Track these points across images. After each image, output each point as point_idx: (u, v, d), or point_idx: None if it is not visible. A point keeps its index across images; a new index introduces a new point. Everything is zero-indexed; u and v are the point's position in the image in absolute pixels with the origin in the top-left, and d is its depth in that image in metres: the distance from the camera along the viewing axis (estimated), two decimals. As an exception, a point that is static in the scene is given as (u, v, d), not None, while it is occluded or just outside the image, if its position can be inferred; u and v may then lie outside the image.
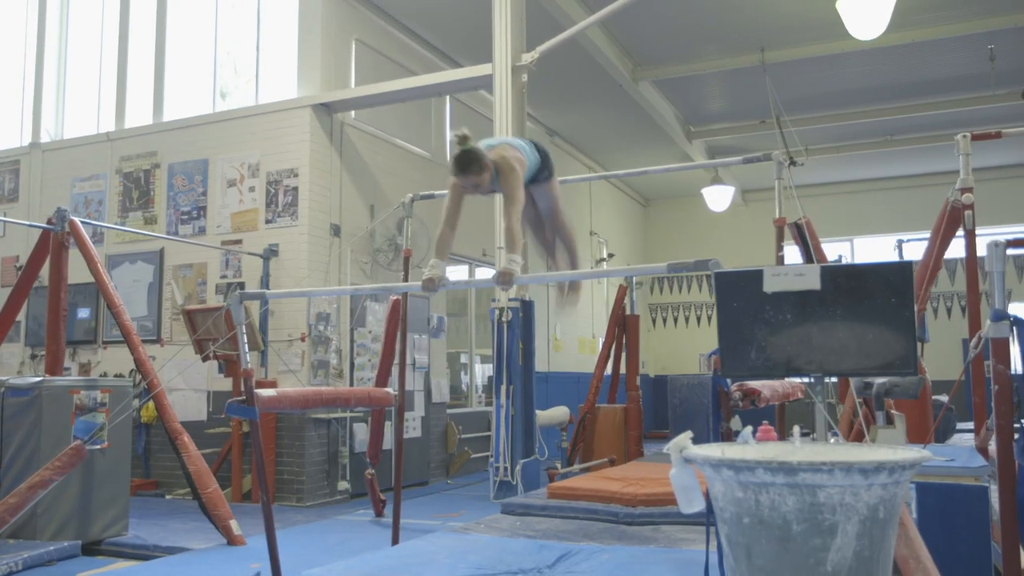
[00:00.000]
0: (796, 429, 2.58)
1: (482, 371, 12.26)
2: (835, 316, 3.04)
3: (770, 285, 3.07)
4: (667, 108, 12.80)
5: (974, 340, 3.22)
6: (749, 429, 2.56)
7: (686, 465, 2.41)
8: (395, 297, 6.39)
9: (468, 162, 4.13)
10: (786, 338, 3.11)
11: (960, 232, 4.58)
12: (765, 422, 3.17)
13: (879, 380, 3.73)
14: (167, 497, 8.78)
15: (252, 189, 8.99)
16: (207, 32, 9.84)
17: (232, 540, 5.91)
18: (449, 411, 10.97)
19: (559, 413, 9.99)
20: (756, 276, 3.12)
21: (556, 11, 9.06)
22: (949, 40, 10.39)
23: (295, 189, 8.76)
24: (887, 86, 11.93)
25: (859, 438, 4.88)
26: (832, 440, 2.88)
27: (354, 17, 9.54)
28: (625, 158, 15.13)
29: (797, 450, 2.54)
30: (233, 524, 5.95)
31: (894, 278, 2.98)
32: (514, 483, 7.73)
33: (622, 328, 10.58)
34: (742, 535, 2.23)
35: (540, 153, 4.56)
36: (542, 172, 4.58)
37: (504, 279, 4.02)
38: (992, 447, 3.86)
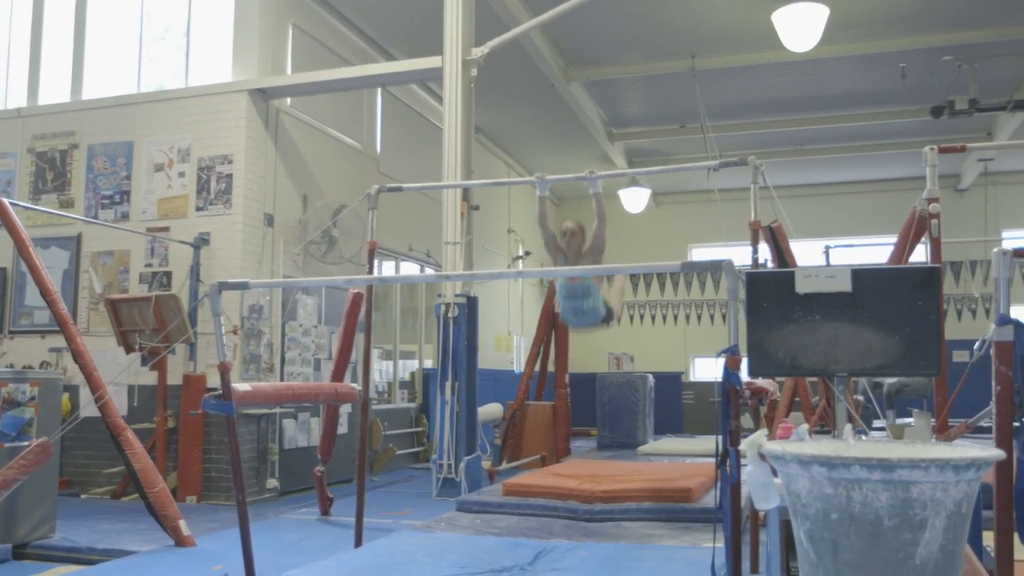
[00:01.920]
0: (848, 427, 2.65)
1: (403, 367, 12.12)
2: (863, 317, 3.13)
3: (802, 287, 3.14)
4: (593, 109, 12.96)
5: (978, 343, 3.37)
6: (805, 427, 2.61)
7: (762, 463, 2.43)
8: (356, 290, 6.23)
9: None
10: (814, 338, 3.18)
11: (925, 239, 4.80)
12: (786, 420, 3.23)
13: (889, 380, 3.87)
14: (83, 496, 8.33)
15: (182, 175, 8.60)
16: (133, 7, 9.35)
17: (181, 541, 5.64)
18: (373, 407, 10.77)
19: (493, 410, 9.97)
20: (788, 277, 3.19)
21: (501, 9, 9.04)
22: (866, 57, 10.90)
23: (229, 176, 8.43)
24: (804, 97, 12.42)
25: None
26: (860, 438, 2.96)
27: (291, 2, 9.25)
28: (545, 157, 15.24)
29: (851, 447, 2.61)
30: (182, 524, 5.68)
31: (921, 281, 3.09)
32: (458, 480, 7.67)
33: (552, 326, 10.65)
34: (829, 530, 2.27)
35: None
36: (606, 321, 6.50)
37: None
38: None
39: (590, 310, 6.26)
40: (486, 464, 9.45)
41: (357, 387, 5.39)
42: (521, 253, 15.96)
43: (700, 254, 17.65)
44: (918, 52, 10.59)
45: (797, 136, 13.99)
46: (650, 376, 11.71)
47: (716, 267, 3.65)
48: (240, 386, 4.34)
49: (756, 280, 3.22)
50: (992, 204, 14.08)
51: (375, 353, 12.09)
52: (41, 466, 4.14)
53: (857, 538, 2.23)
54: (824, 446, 2.52)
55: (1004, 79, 11.38)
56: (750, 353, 3.26)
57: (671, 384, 16.20)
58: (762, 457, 2.45)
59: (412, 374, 12.28)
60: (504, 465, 9.56)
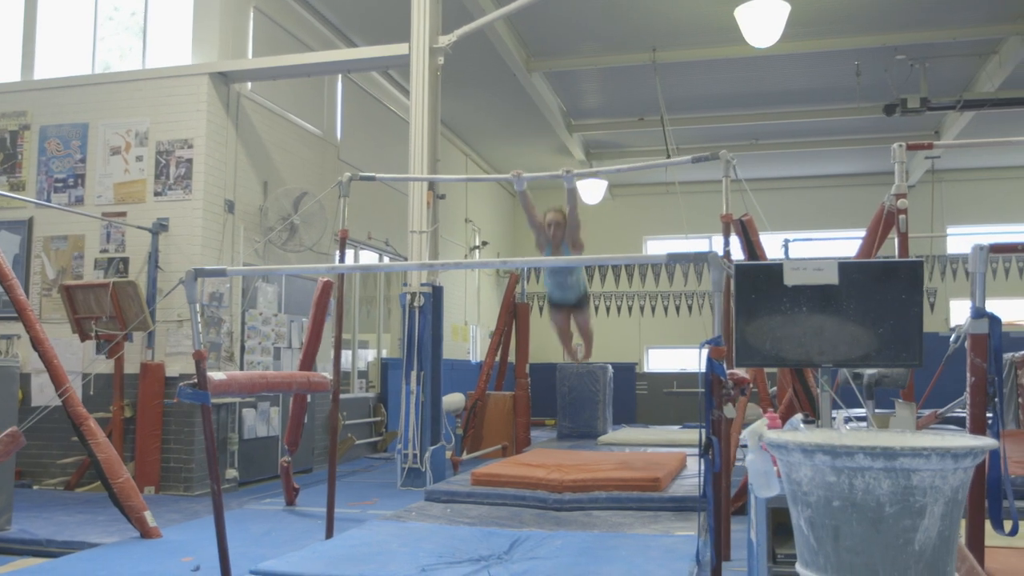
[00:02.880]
0: (840, 416, 2.71)
1: (363, 356, 12.04)
2: (848, 310, 3.20)
3: (791, 279, 3.20)
4: (553, 100, 12.98)
5: (953, 335, 3.48)
6: (799, 416, 2.66)
7: (763, 451, 2.48)
8: (325, 279, 6.17)
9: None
10: (800, 329, 3.25)
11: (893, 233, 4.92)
12: (771, 410, 3.29)
13: (869, 371, 3.97)
14: (35, 488, 8.12)
15: (140, 158, 8.41)
16: (88, -14, 9.11)
17: (146, 532, 5.54)
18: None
19: (456, 400, 9.96)
20: (776, 269, 3.24)
21: (467, -2, 9.01)
22: (822, 54, 11.09)
23: (189, 161, 8.27)
24: (760, 92, 12.60)
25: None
26: (847, 427, 3.03)
27: (252, -16, 9.10)
28: (504, 148, 15.24)
29: (846, 436, 2.67)
30: (148, 515, 5.57)
31: (905, 274, 3.17)
32: (423, 470, 7.65)
33: (513, 315, 10.67)
34: (830, 517, 2.32)
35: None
36: (583, 301, 7.01)
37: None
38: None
39: (574, 284, 6.75)
40: (449, 454, 9.46)
41: (327, 376, 5.34)
42: (478, 243, 15.94)
43: (655, 246, 17.82)
44: (872, 51, 10.82)
45: (753, 130, 14.19)
46: (610, 367, 11.81)
47: (702, 259, 3.68)
48: (216, 375, 4.27)
49: (744, 272, 3.27)
50: (938, 201, 14.47)
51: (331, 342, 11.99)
52: (10, 456, 4.03)
53: (859, 525, 2.29)
54: (821, 435, 2.57)
55: (954, 79, 11.69)
56: (736, 344, 3.31)
57: (626, 375, 16.39)
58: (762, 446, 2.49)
59: (369, 363, 12.21)
60: (466, 455, 9.57)
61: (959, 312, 15.33)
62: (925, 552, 2.28)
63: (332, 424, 5.46)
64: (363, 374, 12.04)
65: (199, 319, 4.27)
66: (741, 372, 3.97)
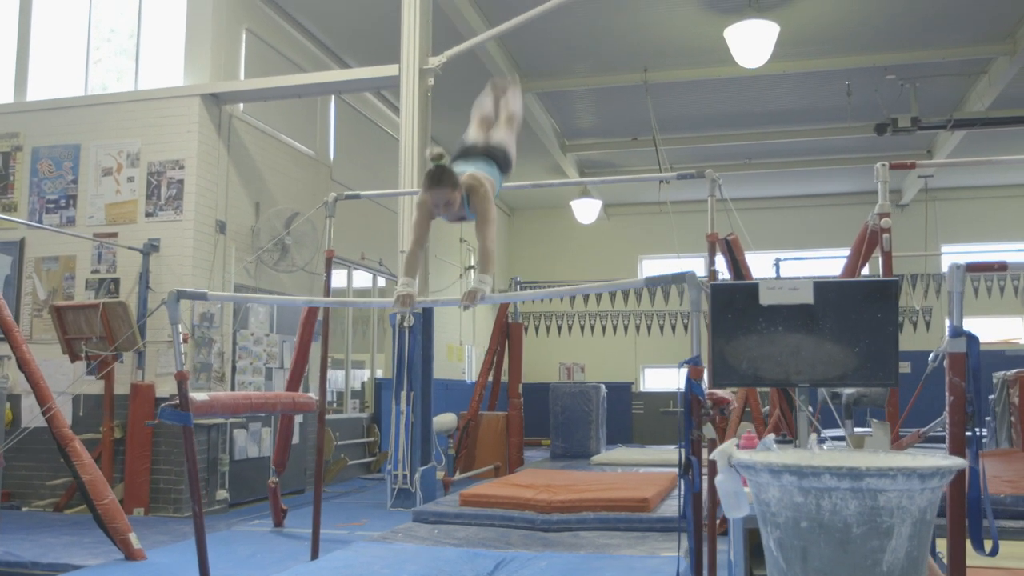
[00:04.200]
0: (814, 437, 2.70)
1: (355, 376, 12.01)
2: (824, 329, 3.20)
3: (766, 298, 3.20)
4: (546, 120, 13.03)
5: (932, 354, 3.47)
6: (771, 437, 2.66)
7: (733, 471, 2.47)
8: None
9: (441, 176, 3.92)
10: (776, 349, 3.25)
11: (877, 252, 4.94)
12: (749, 430, 3.28)
13: (848, 391, 3.97)
14: (24, 509, 8.08)
15: (131, 179, 8.43)
16: (81, 9, 9.16)
17: (131, 555, 5.51)
18: (326, 417, 10.65)
19: (447, 420, 9.94)
20: (752, 289, 3.24)
21: (457, 19, 9.06)
22: (813, 74, 11.15)
23: (180, 182, 8.30)
24: (753, 112, 12.66)
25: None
26: (822, 447, 3.03)
27: (245, 6, 9.15)
28: (498, 167, 15.24)
29: (816, 456, 2.66)
30: (132, 537, 5.55)
31: (880, 293, 3.18)
32: (413, 491, 7.62)
33: (505, 336, 10.66)
34: (798, 538, 2.31)
35: (500, 168, 4.56)
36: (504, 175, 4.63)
37: (470, 297, 3.87)
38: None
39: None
40: (440, 474, 9.43)
41: (314, 397, 5.33)
42: (473, 263, 15.94)
43: (651, 266, 17.84)
44: (863, 71, 10.87)
45: (746, 150, 14.25)
46: (603, 386, 11.79)
47: (680, 280, 3.70)
48: (198, 396, 4.27)
49: (720, 291, 3.28)
50: (932, 219, 14.46)
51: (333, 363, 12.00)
52: (-10, 478, 4.01)
53: (826, 546, 2.28)
54: (791, 455, 2.57)
55: (944, 98, 11.74)
56: (713, 364, 3.31)
57: (621, 394, 16.33)
58: (732, 466, 2.49)
59: (363, 383, 12.19)
60: (458, 475, 9.53)
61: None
62: (893, 573, 2.27)
63: (319, 445, 5.45)
64: (357, 394, 12.02)
65: (180, 339, 4.27)
66: (724, 392, 3.96)
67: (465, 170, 4.19)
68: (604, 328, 18.02)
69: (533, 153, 14.19)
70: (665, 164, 13.23)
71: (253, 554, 5.76)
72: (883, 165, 4.86)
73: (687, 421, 3.76)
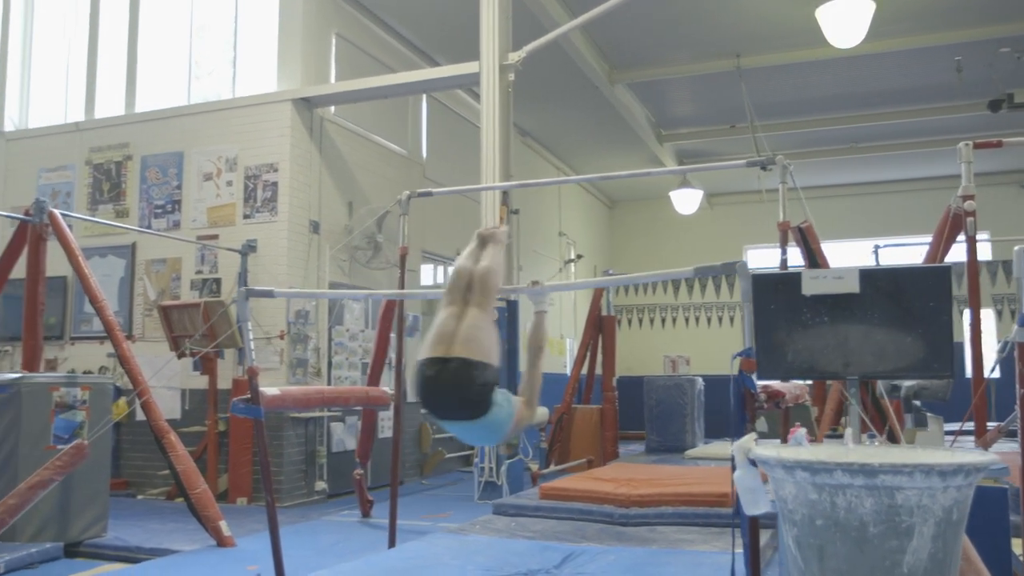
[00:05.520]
0: (848, 431, 2.60)
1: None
2: (872, 319, 3.07)
3: (809, 288, 3.09)
4: (640, 111, 12.88)
5: (1000, 344, 3.28)
6: (802, 432, 2.57)
7: (751, 467, 2.41)
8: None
9: None
10: (822, 340, 3.13)
11: (961, 237, 4.67)
12: (798, 424, 3.18)
13: (907, 383, 3.79)
14: (139, 497, 8.58)
15: (230, 183, 8.82)
16: (182, 22, 9.63)
17: (222, 541, 5.79)
18: (422, 411, 10.86)
19: (539, 413, 9.95)
20: (794, 279, 3.14)
21: (540, 12, 9.06)
22: (918, 51, 10.61)
23: (275, 184, 8.62)
24: (856, 94, 12.16)
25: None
26: (872, 443, 2.90)
27: (334, 11, 9.42)
28: (595, 160, 15.19)
29: (851, 452, 2.56)
30: (223, 525, 5.83)
31: (932, 281, 3.02)
32: (500, 484, 7.70)
33: (598, 329, 10.61)
34: (814, 537, 2.24)
35: None
36: None
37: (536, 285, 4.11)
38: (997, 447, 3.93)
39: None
40: (534, 467, 9.47)
41: (389, 391, 5.46)
42: (573, 256, 15.92)
43: (756, 255, 17.39)
44: (973, 45, 10.28)
45: (850, 134, 13.70)
46: (699, 379, 11.58)
47: (730, 270, 3.61)
48: (268, 390, 4.44)
49: (762, 282, 3.18)
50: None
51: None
52: (76, 467, 4.30)
53: (842, 545, 2.20)
54: (815, 451, 2.48)
55: (1067, 70, 10.98)
56: (758, 356, 3.22)
57: (726, 387, 15.97)
58: (752, 462, 2.42)
59: (462, 378, 12.34)
60: (551, 468, 9.55)
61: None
62: (915, 575, 2.17)
63: (395, 438, 5.57)
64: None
65: (250, 335, 4.44)
66: (781, 385, 3.85)
67: None
68: (710, 320, 17.67)
69: (629, 145, 14.07)
70: (765, 151, 12.88)
71: (335, 543, 5.95)
72: (966, 145, 4.60)
73: (739, 415, 3.68)
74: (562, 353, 15.58)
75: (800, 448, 2.59)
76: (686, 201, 15.30)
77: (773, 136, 13.23)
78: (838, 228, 16.25)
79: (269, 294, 4.51)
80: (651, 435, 11.14)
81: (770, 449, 2.38)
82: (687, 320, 17.77)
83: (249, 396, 4.36)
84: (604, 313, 10.64)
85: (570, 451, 10.19)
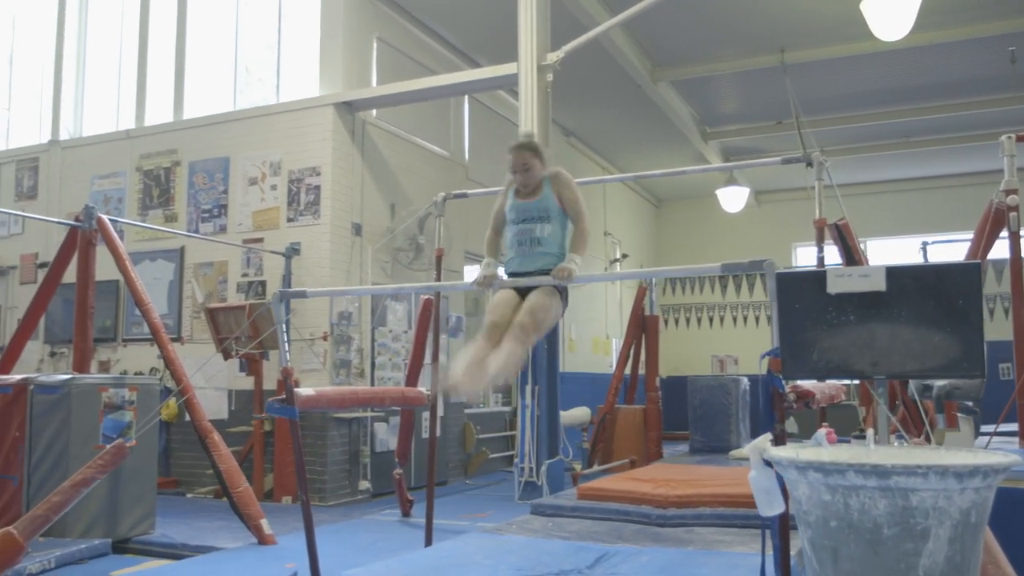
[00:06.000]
0: (871, 432, 2.55)
1: (498, 371, 12.21)
2: (899, 318, 3.01)
3: (834, 286, 3.05)
4: (684, 109, 12.77)
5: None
6: (823, 431, 2.54)
7: (766, 467, 2.38)
8: (426, 297, 6.36)
9: (528, 144, 4.36)
10: (848, 339, 3.08)
11: (1004, 233, 4.56)
12: (825, 424, 3.13)
13: (940, 383, 3.70)
14: (188, 496, 8.76)
15: (274, 187, 8.97)
16: (227, 30, 9.83)
17: (263, 539, 5.89)
18: (466, 411, 10.93)
19: (580, 413, 9.96)
20: (819, 277, 3.09)
21: (579, 11, 9.04)
22: (969, 41, 10.34)
23: (317, 187, 8.74)
24: (905, 87, 11.90)
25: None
26: (898, 443, 2.85)
27: (375, 15, 9.52)
28: (640, 159, 15.10)
29: (872, 453, 2.52)
30: (264, 523, 5.93)
31: (961, 279, 2.95)
32: (539, 484, 7.70)
33: (641, 329, 10.55)
34: (828, 538, 2.21)
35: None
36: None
37: (563, 274, 4.00)
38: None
39: (549, 240, 4.16)
40: (577, 466, 9.46)
41: (426, 391, 5.50)
42: (618, 256, 15.85)
43: (805, 253, 17.12)
44: (1027, 34, 10.01)
45: (900, 128, 13.40)
46: (744, 379, 11.44)
47: (758, 268, 3.57)
48: (303, 391, 4.50)
49: (786, 281, 3.14)
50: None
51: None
52: (116, 466, 4.42)
53: (856, 547, 2.16)
54: (835, 451, 2.45)
55: None
56: (783, 355, 3.18)
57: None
58: (767, 463, 2.40)
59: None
60: (593, 468, 9.53)
61: None
62: (931, 578, 2.12)
63: (431, 438, 5.61)
64: (500, 388, 12.24)
65: (285, 336, 4.51)
66: (813, 384, 3.79)
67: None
68: (758, 319, 17.46)
69: (674, 143, 13.96)
70: (813, 147, 12.67)
71: (373, 542, 6.01)
72: (1008, 137, 4.49)
73: (768, 415, 3.63)
74: (608, 353, 15.52)
75: (819, 449, 2.56)
76: (732, 199, 15.14)
77: (821, 132, 13.03)
78: (887, 225, 15.92)
79: (302, 295, 4.59)
80: (695, 435, 11.04)
81: (785, 450, 2.35)
82: (735, 320, 17.60)
83: (284, 396, 4.43)
84: (647, 313, 10.56)
85: (613, 451, 10.15)
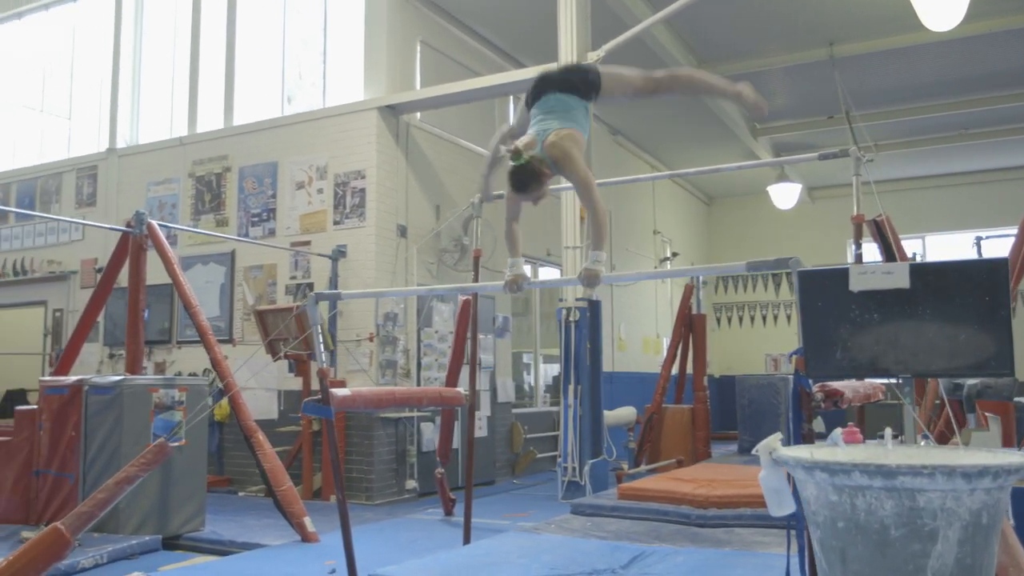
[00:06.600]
0: (888, 431, 2.52)
1: (546, 371, 12.24)
2: (924, 315, 2.95)
3: (857, 284, 3.00)
4: (732, 105, 12.62)
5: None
6: (839, 431, 2.51)
7: (776, 467, 2.37)
8: (465, 297, 6.41)
9: (525, 180, 3.86)
10: (872, 338, 3.03)
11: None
12: (851, 424, 3.09)
13: (970, 381, 3.62)
14: (240, 494, 8.95)
15: (320, 191, 9.12)
16: (275, 37, 10.02)
17: (306, 537, 6.00)
18: (514, 411, 10.97)
19: (626, 413, 9.93)
20: (841, 275, 3.05)
21: (620, 8, 9.02)
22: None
23: (362, 191, 8.87)
24: (960, 79, 11.60)
25: (943, 441, 4.74)
26: (923, 443, 2.80)
27: (418, 19, 9.61)
28: (689, 156, 14.97)
29: (890, 453, 2.48)
30: (307, 521, 6.04)
31: (988, 276, 2.88)
32: (582, 483, 7.71)
33: (688, 328, 10.48)
34: (836, 539, 2.19)
35: (581, 94, 4.09)
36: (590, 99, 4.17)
37: (590, 280, 3.83)
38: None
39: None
40: (624, 466, 9.43)
41: (464, 391, 5.55)
42: (668, 255, 15.73)
43: (864, 250, 16.77)
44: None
45: (955, 120, 13.06)
46: (792, 378, 11.28)
47: (783, 266, 3.54)
48: (339, 391, 4.59)
49: (808, 278, 3.11)
50: None
51: (524, 357, 12.33)
52: (159, 464, 4.55)
53: (864, 548, 2.14)
54: (851, 451, 2.42)
55: None
56: (806, 354, 3.15)
57: (830, 386, 15.48)
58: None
59: (555, 378, 12.39)
60: (640, 468, 9.49)
61: None
62: (940, 580, 2.09)
63: (468, 438, 5.66)
64: (549, 388, 12.26)
65: (320, 337, 4.60)
66: (842, 384, 3.74)
67: (547, 128, 3.91)
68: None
69: (723, 140, 13.81)
70: (868, 141, 12.44)
71: (413, 540, 6.08)
72: (1053, 129, 4.34)
73: (796, 415, 3.60)
74: (658, 352, 15.41)
75: (833, 448, 2.53)
76: (784, 196, 14.92)
77: (874, 126, 12.77)
78: (942, 220, 15.53)
79: (337, 297, 4.67)
80: (743, 435, 10.93)
81: (792, 449, 2.34)
82: (788, 318, 17.33)
83: (320, 396, 4.51)
84: (695, 311, 10.48)
85: (660, 451, 10.09)
